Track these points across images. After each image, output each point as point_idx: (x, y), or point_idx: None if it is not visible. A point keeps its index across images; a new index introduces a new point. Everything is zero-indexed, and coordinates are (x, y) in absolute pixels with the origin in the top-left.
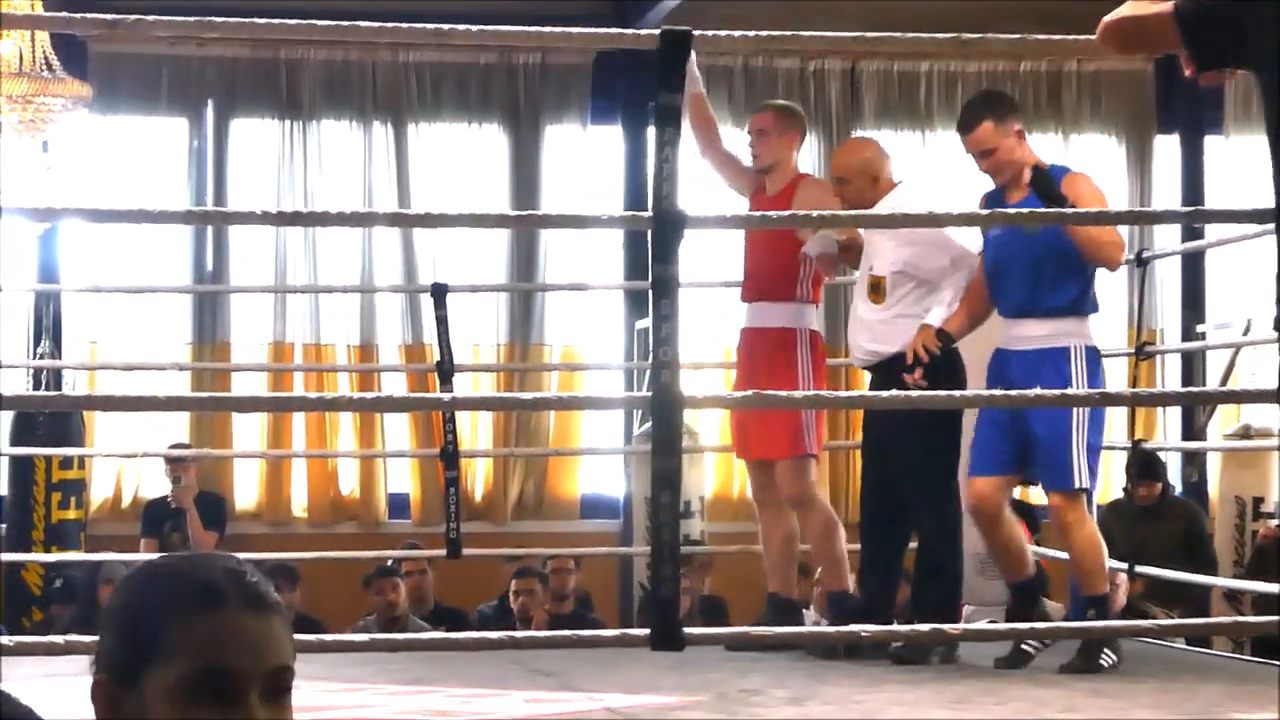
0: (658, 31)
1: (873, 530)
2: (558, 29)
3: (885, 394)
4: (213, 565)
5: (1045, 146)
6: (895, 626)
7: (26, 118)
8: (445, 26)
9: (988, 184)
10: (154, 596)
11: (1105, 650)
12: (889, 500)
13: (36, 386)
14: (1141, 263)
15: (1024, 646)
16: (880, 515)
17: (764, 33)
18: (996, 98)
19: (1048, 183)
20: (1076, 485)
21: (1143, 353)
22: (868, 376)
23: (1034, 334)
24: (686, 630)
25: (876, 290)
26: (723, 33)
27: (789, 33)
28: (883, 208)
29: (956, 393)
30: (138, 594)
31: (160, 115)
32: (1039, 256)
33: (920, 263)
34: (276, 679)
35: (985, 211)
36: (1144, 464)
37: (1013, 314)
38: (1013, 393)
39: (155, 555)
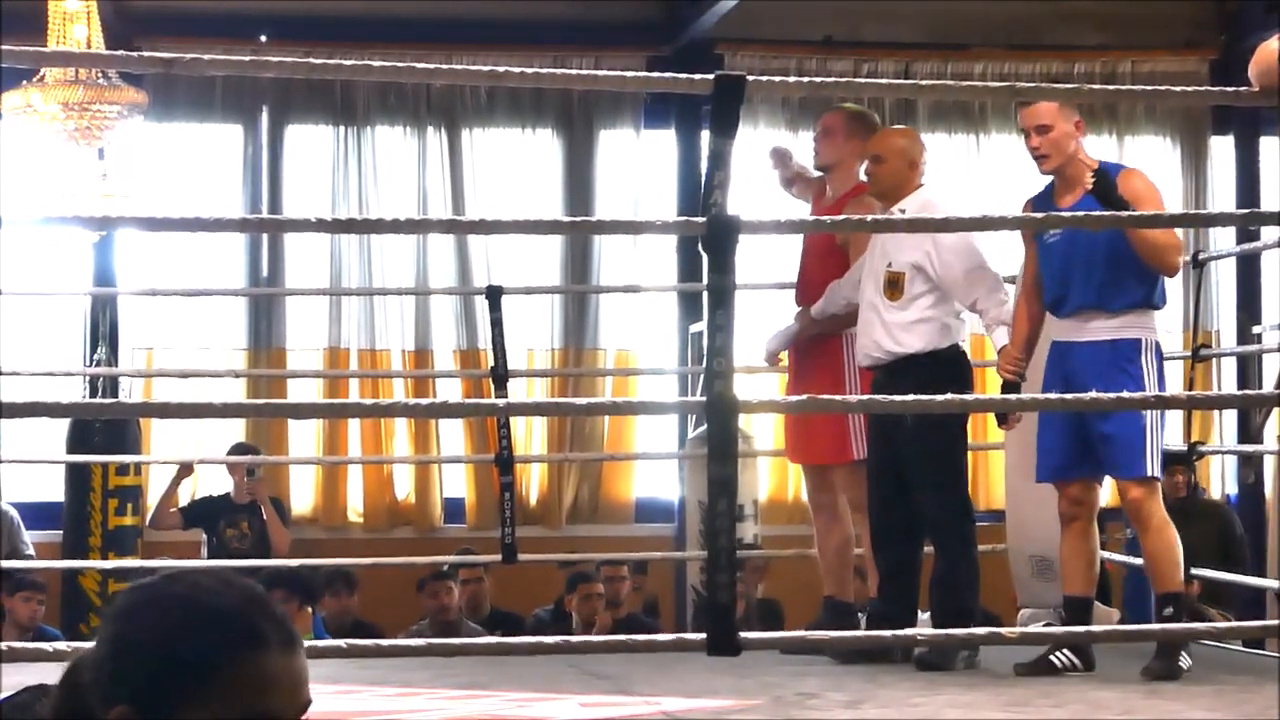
0: (711, 77)
1: (889, 543)
2: (612, 73)
3: (940, 397)
4: (235, 595)
5: (1100, 148)
6: (935, 630)
7: (83, 125)
8: (501, 69)
9: (1038, 186)
10: (191, 632)
11: (1183, 652)
12: (902, 510)
13: (93, 393)
14: (1197, 264)
15: (1052, 658)
16: (895, 527)
17: (818, 79)
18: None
19: (1109, 187)
20: (1149, 472)
21: (1199, 355)
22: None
23: (1102, 326)
24: (743, 635)
25: (894, 286)
26: (776, 79)
27: (843, 80)
28: (911, 202)
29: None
30: (170, 626)
31: (215, 122)
32: (1106, 256)
33: (939, 264)
34: (302, 713)
35: (1058, 214)
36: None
37: (1078, 313)
38: (1085, 395)
39: (181, 564)
